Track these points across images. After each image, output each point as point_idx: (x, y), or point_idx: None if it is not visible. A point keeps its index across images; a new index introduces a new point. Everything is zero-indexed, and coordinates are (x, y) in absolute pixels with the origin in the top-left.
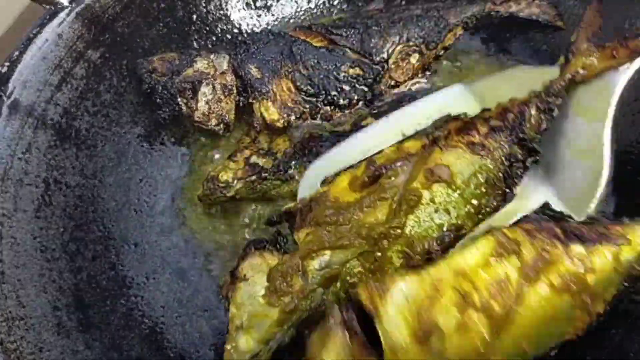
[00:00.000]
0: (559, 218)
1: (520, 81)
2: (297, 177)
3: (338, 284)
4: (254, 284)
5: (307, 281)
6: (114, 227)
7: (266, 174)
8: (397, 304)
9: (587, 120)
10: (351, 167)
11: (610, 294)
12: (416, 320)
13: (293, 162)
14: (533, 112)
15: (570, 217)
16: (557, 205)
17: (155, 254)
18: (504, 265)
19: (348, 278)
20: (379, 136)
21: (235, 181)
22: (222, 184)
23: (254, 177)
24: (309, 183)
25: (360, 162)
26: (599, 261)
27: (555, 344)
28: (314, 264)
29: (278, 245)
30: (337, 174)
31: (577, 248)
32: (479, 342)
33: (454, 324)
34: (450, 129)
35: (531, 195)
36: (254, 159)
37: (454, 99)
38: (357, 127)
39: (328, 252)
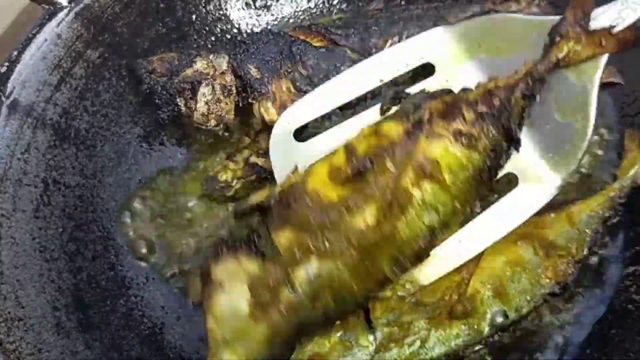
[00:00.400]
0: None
1: (503, 28)
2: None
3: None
4: (231, 293)
5: (296, 293)
6: (114, 227)
7: (266, 174)
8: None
9: (576, 78)
10: (330, 154)
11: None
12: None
13: None
14: (518, 97)
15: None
16: (538, 164)
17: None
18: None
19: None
20: (354, 82)
21: (235, 181)
22: (221, 184)
23: (253, 177)
24: (281, 134)
25: (336, 150)
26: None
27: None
28: (301, 274)
29: (253, 246)
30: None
31: None
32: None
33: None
34: (433, 112)
35: None
36: (253, 159)
37: (434, 43)
38: None
39: (315, 261)
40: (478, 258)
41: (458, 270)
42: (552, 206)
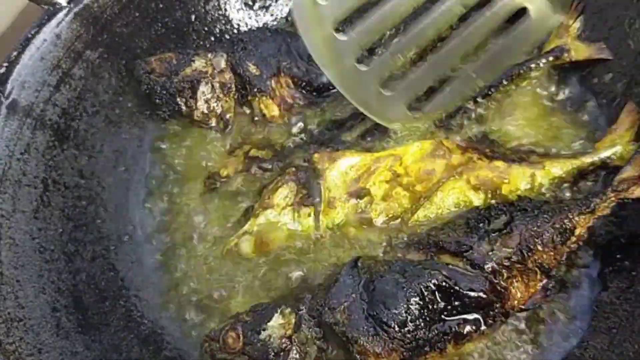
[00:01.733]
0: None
1: None
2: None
3: None
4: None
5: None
6: (113, 228)
7: (267, 165)
8: (340, 169)
9: None
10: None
11: None
12: (353, 183)
13: (292, 154)
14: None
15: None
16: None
17: (155, 254)
18: (434, 162)
19: None
20: None
21: (237, 175)
22: (223, 179)
23: (253, 170)
24: None
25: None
26: (514, 174)
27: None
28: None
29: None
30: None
31: (499, 163)
32: (399, 210)
33: (382, 193)
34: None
35: None
36: (253, 152)
37: None
38: (356, 117)
39: None
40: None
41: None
42: (523, 159)
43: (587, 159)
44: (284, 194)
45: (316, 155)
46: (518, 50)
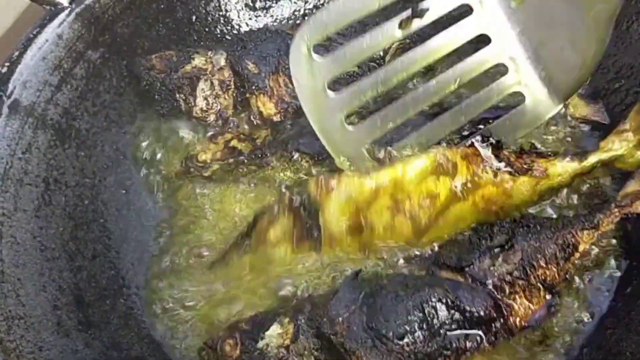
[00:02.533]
0: (496, 146)
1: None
2: (273, 164)
3: None
4: None
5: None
6: (114, 227)
7: (243, 158)
8: (339, 201)
9: (592, 18)
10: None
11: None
12: (353, 216)
13: (271, 150)
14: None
15: (504, 145)
16: (537, 86)
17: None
18: (437, 183)
19: None
20: None
21: (213, 162)
22: (199, 164)
23: (231, 160)
24: (300, 49)
25: None
26: (519, 189)
27: None
28: None
29: None
30: None
31: (505, 176)
32: (403, 241)
33: (384, 224)
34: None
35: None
36: (234, 142)
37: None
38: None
39: None
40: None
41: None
42: (528, 166)
43: (592, 158)
44: (280, 230)
45: (312, 184)
46: (509, 134)
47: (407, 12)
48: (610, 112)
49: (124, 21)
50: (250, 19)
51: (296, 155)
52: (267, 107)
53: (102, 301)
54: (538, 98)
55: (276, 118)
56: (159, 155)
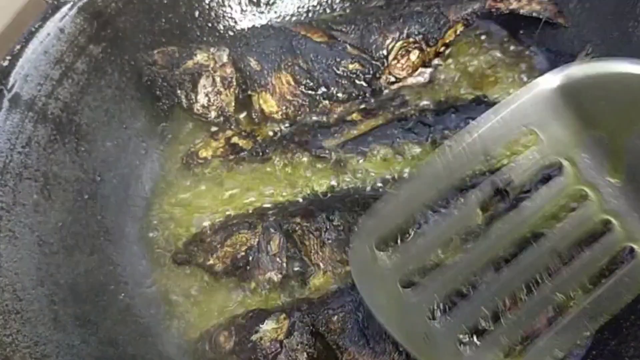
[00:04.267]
0: None
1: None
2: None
3: None
4: None
5: None
6: (113, 222)
7: (244, 155)
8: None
9: None
10: None
11: None
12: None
13: (271, 147)
14: None
15: None
16: None
17: (155, 250)
18: None
19: None
20: (439, 175)
21: (214, 159)
22: (200, 160)
23: (231, 157)
24: (361, 246)
25: None
26: None
27: None
28: None
29: None
30: None
31: None
32: None
33: None
34: None
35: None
36: (235, 139)
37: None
38: (343, 121)
39: None
40: None
41: None
42: None
43: None
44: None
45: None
46: (621, 297)
47: (488, 188)
48: None
49: (126, 16)
50: (253, 15)
51: (297, 153)
52: (269, 104)
53: (99, 297)
54: None
55: (278, 116)
56: (159, 152)
